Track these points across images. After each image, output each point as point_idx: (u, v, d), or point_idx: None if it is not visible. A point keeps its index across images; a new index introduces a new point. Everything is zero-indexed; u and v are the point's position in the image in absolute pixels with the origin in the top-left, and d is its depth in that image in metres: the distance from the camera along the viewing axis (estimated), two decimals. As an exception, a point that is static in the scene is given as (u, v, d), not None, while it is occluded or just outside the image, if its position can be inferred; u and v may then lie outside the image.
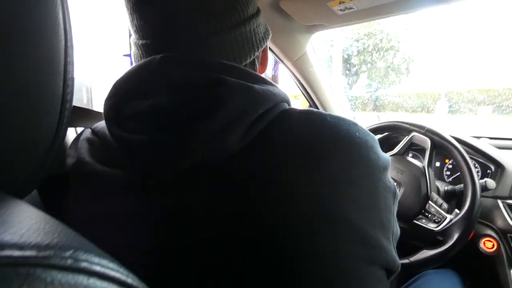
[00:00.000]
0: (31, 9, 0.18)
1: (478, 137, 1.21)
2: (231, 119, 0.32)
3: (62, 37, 0.20)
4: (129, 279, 0.15)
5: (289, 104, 0.39)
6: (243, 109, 0.33)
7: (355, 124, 0.36)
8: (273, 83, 0.39)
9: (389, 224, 0.37)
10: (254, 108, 0.33)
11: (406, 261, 0.85)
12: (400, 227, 0.45)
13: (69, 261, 0.13)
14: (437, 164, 1.16)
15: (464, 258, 0.96)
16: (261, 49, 0.43)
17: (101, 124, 0.42)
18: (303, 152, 0.32)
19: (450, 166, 1.13)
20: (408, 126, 0.96)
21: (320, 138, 0.33)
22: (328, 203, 0.31)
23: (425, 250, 0.84)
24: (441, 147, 0.89)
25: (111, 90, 0.38)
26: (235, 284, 0.30)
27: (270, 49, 1.04)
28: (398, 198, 0.89)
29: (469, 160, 0.85)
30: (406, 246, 0.87)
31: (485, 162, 1.04)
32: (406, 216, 0.88)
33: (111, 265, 0.15)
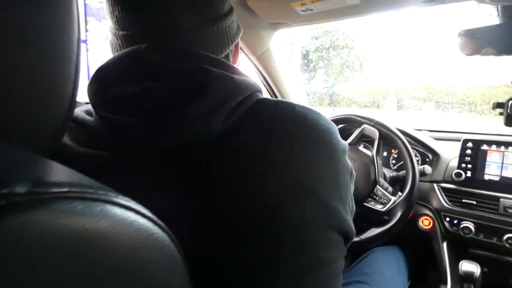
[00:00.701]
0: (52, 8, 0.21)
1: (420, 130, 1.37)
2: (215, 104, 0.36)
3: (76, 31, 0.24)
4: (146, 211, 0.18)
5: (261, 94, 0.44)
6: (225, 96, 0.37)
7: (319, 114, 0.42)
8: (247, 75, 0.43)
9: (346, 198, 0.43)
10: (235, 95, 0.38)
11: (357, 239, 0.95)
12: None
13: (95, 195, 0.16)
14: (385, 153, 1.29)
15: (406, 235, 1.09)
16: (234, 44, 0.48)
17: (77, 111, 0.44)
18: (277, 135, 0.37)
19: (395, 156, 1.27)
20: (359, 118, 1.07)
21: (291, 124, 0.39)
22: (298, 177, 0.36)
23: (373, 228, 0.95)
24: (387, 138, 1.01)
25: (93, 76, 0.40)
26: (220, 246, 0.34)
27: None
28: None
29: (411, 150, 0.97)
30: (357, 227, 0.97)
31: (424, 151, 1.18)
32: (358, 199, 0.98)
33: (127, 199, 0.18)
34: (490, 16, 0.86)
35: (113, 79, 0.39)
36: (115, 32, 0.42)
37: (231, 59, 0.50)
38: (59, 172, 0.16)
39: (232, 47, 0.47)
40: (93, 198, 0.15)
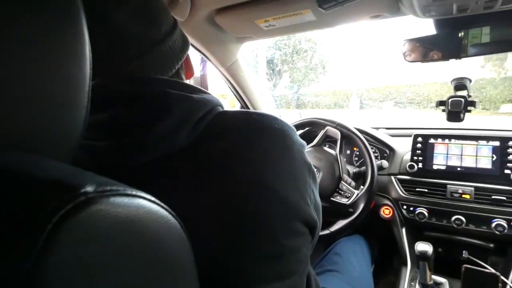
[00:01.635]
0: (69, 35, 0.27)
1: (377, 128, 1.50)
2: (178, 122, 0.40)
3: (88, 63, 0.29)
4: (163, 204, 0.23)
5: (222, 108, 0.49)
6: (186, 114, 0.41)
7: (275, 118, 0.47)
8: (207, 91, 0.48)
9: (305, 191, 0.47)
10: (195, 112, 0.42)
11: (327, 232, 1.04)
12: (321, 206, 0.57)
13: (132, 192, 0.21)
14: (348, 151, 1.40)
15: (370, 224, 1.21)
16: (181, 61, 0.52)
17: None
18: (237, 141, 0.42)
19: (357, 153, 1.39)
20: (322, 121, 1.17)
21: (248, 130, 0.44)
22: (258, 176, 0.41)
23: (340, 221, 1.04)
24: (348, 138, 1.12)
25: None
26: (194, 236, 0.39)
27: (206, 57, 1.14)
28: (320, 177, 1.07)
29: (369, 147, 1.08)
30: (326, 221, 1.07)
31: (382, 148, 1.31)
32: (325, 194, 1.08)
33: (151, 196, 0.23)
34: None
35: None
36: None
37: (182, 75, 0.54)
38: (99, 176, 0.22)
39: (180, 63, 0.52)
40: (132, 194, 0.20)
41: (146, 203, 0.21)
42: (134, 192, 0.20)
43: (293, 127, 0.49)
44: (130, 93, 0.42)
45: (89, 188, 0.18)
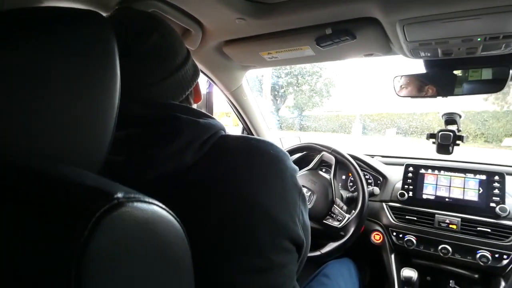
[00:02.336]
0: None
1: (372, 156, 1.56)
2: (185, 143, 0.46)
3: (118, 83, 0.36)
4: (169, 210, 0.29)
5: (224, 131, 0.55)
6: (193, 136, 0.47)
7: (271, 144, 0.52)
8: (212, 116, 0.54)
9: (294, 212, 0.51)
10: (201, 135, 0.48)
11: (318, 253, 1.09)
12: (314, 227, 0.62)
13: (148, 199, 0.27)
14: (343, 177, 1.46)
15: (360, 249, 1.25)
16: (191, 88, 0.58)
17: None
18: (236, 163, 0.48)
19: (352, 179, 1.44)
20: (319, 147, 1.24)
21: (246, 154, 0.49)
22: (251, 195, 0.45)
23: (331, 243, 1.09)
24: (342, 163, 1.18)
25: None
26: (194, 247, 0.40)
27: (213, 81, 1.23)
28: (314, 200, 1.12)
29: (361, 173, 1.15)
30: (318, 243, 1.11)
31: (376, 175, 1.37)
32: (318, 216, 1.13)
33: (161, 203, 0.28)
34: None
35: None
36: None
37: (191, 100, 0.61)
38: (123, 186, 0.28)
39: (190, 90, 0.58)
40: (148, 201, 0.27)
41: (158, 209, 0.27)
42: (150, 200, 0.27)
43: (287, 153, 0.55)
44: (146, 115, 0.48)
45: (120, 195, 0.24)
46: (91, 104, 0.32)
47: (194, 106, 0.63)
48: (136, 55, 0.50)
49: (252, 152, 0.50)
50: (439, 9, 0.67)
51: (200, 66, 1.06)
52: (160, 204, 0.28)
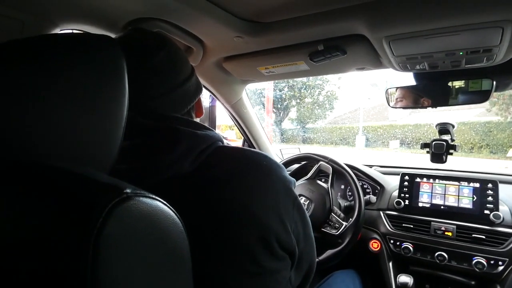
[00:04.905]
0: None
1: (371, 166, 1.59)
2: (184, 152, 0.50)
3: (126, 99, 0.41)
4: (170, 207, 0.34)
5: (222, 143, 0.58)
6: (191, 146, 0.51)
7: (265, 156, 0.56)
8: (211, 128, 0.58)
9: (287, 221, 0.53)
10: (198, 145, 0.52)
11: (316, 260, 1.11)
12: (314, 236, 0.64)
13: (152, 195, 0.31)
14: (342, 186, 1.49)
15: (359, 257, 1.27)
16: (193, 103, 0.62)
17: None
18: (230, 172, 0.51)
19: (350, 188, 1.47)
20: (316, 156, 1.28)
21: (240, 163, 0.53)
22: (244, 203, 0.48)
23: (329, 250, 1.12)
24: (339, 173, 1.22)
25: None
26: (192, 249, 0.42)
27: (214, 95, 1.30)
28: (312, 208, 1.14)
29: (357, 182, 1.18)
30: (317, 251, 1.14)
31: (373, 184, 1.40)
32: (316, 224, 1.16)
33: (162, 200, 0.33)
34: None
35: None
36: None
37: (193, 114, 0.64)
38: (131, 185, 0.32)
39: (192, 104, 0.62)
40: (153, 197, 0.31)
41: (160, 204, 0.32)
42: (154, 196, 0.32)
43: (281, 165, 0.58)
44: (149, 126, 0.53)
45: (128, 190, 0.29)
46: (103, 116, 0.37)
47: (197, 120, 0.67)
48: (145, 69, 0.55)
49: (245, 162, 0.54)
50: (422, 26, 0.72)
51: (201, 81, 1.12)
52: (162, 201, 0.32)
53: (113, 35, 0.81)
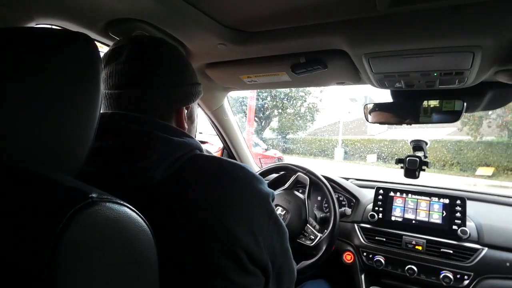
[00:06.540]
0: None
1: (347, 178, 1.62)
2: (157, 159, 0.48)
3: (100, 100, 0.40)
4: (136, 211, 0.32)
5: (201, 151, 0.56)
6: (165, 154, 0.49)
7: (242, 167, 0.53)
8: (190, 135, 0.56)
9: (259, 235, 0.51)
10: (173, 153, 0.50)
11: (290, 271, 1.11)
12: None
13: (119, 201, 0.30)
14: (319, 198, 1.51)
15: (332, 268, 1.28)
16: (175, 108, 0.58)
17: None
18: (203, 182, 0.49)
19: (326, 199, 1.49)
20: (294, 167, 1.29)
21: (215, 174, 0.51)
22: (214, 215, 0.47)
23: (303, 261, 1.12)
24: (316, 184, 1.23)
25: None
26: (162, 258, 0.39)
27: (194, 101, 1.28)
28: (288, 218, 1.14)
29: (333, 194, 1.19)
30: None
31: (349, 196, 1.42)
32: (292, 235, 1.16)
33: (130, 205, 0.32)
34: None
35: None
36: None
37: (174, 119, 0.59)
38: (97, 189, 0.31)
39: (175, 109, 0.58)
40: (120, 203, 0.30)
41: (129, 211, 0.31)
42: (121, 202, 0.30)
43: (259, 177, 0.55)
44: (123, 129, 0.51)
45: (94, 195, 0.28)
46: (73, 115, 0.36)
47: (193, 127, 0.65)
48: (129, 61, 0.54)
49: (220, 173, 0.52)
50: (400, 46, 0.75)
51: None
52: (131, 207, 0.31)
53: (92, 35, 0.80)
